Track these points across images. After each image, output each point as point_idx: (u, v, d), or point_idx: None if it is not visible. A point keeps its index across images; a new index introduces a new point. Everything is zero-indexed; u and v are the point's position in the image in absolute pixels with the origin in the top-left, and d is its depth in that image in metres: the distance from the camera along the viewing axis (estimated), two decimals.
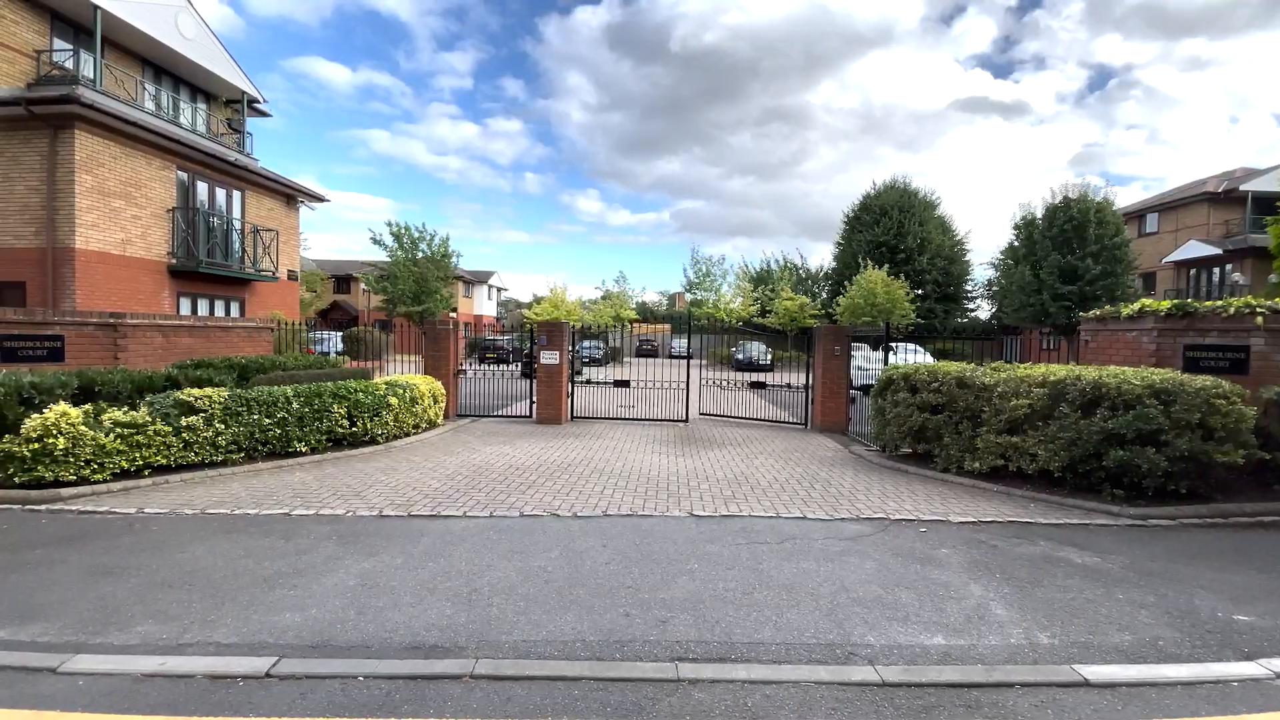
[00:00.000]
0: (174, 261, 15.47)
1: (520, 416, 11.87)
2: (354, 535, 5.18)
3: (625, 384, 13.08)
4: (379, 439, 8.83)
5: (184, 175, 16.03)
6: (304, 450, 7.91)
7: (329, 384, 8.42)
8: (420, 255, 38.71)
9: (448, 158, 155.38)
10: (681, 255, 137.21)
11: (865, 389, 11.47)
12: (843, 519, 5.82)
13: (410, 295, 37.72)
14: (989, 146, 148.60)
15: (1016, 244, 30.88)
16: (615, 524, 5.57)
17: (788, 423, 12.31)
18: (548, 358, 11.27)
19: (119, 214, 14.17)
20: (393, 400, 8.95)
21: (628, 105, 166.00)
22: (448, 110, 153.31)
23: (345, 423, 8.40)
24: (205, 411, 7.12)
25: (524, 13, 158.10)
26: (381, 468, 7.57)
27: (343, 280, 48.25)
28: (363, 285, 40.63)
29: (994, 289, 48.88)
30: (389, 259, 38.08)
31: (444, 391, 10.73)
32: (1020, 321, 29.61)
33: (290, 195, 19.97)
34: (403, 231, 38.34)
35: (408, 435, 9.48)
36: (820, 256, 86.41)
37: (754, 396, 16.93)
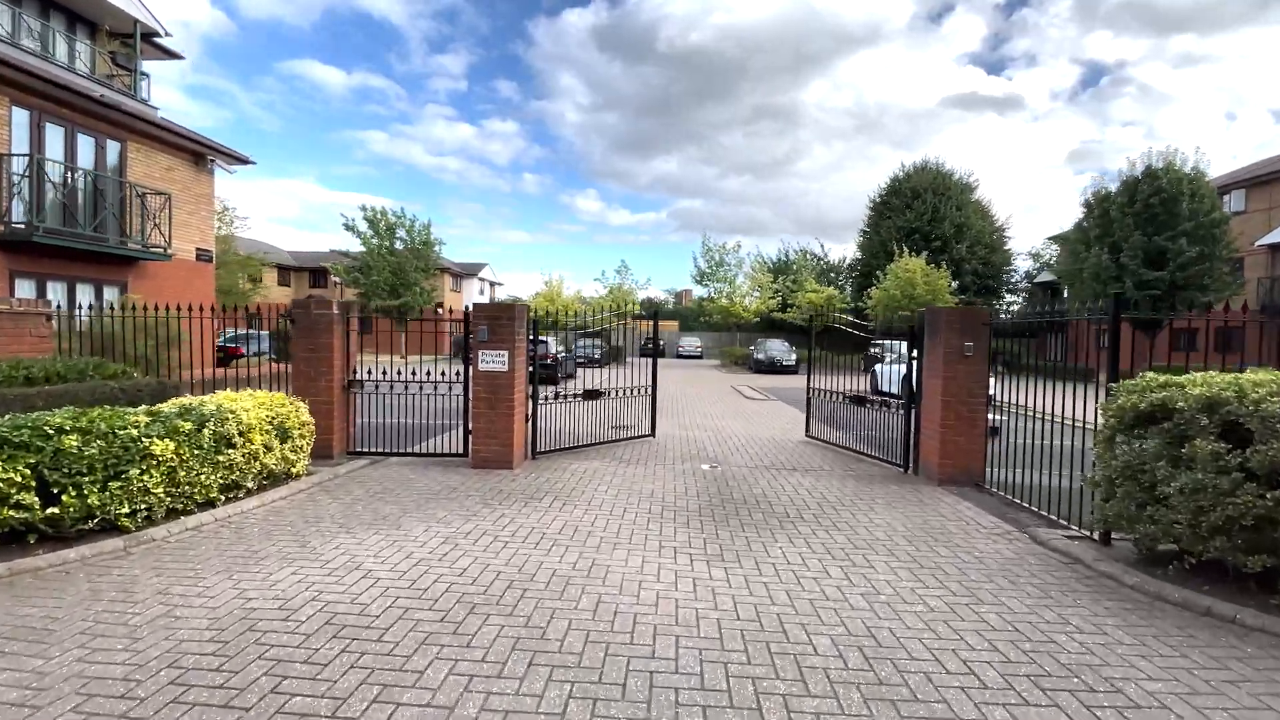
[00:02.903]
0: (1, 228, 11.25)
1: (451, 455, 7.51)
2: None
3: (596, 395, 8.72)
4: (125, 522, 4.50)
5: (25, 113, 11.81)
6: None
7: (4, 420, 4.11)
8: (399, 244, 34.48)
9: (446, 158, 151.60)
10: (682, 254, 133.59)
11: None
12: None
13: (386, 288, 33.45)
14: (985, 143, 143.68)
15: (1086, 224, 26.25)
16: None
17: (869, 458, 7.94)
18: (490, 361, 6.90)
19: None
20: (159, 447, 4.62)
21: (621, 105, 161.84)
22: (443, 112, 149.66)
23: (29, 497, 4.08)
24: None
25: (513, 15, 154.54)
26: (19, 627, 3.23)
27: (319, 273, 44.09)
28: (333, 277, 36.32)
29: (1034, 281, 44.24)
30: (363, 248, 33.83)
31: (309, 419, 6.40)
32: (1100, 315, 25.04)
33: (199, 153, 15.70)
34: (378, 217, 34.06)
35: (211, 506, 5.16)
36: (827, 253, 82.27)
37: (795, 411, 12.56)
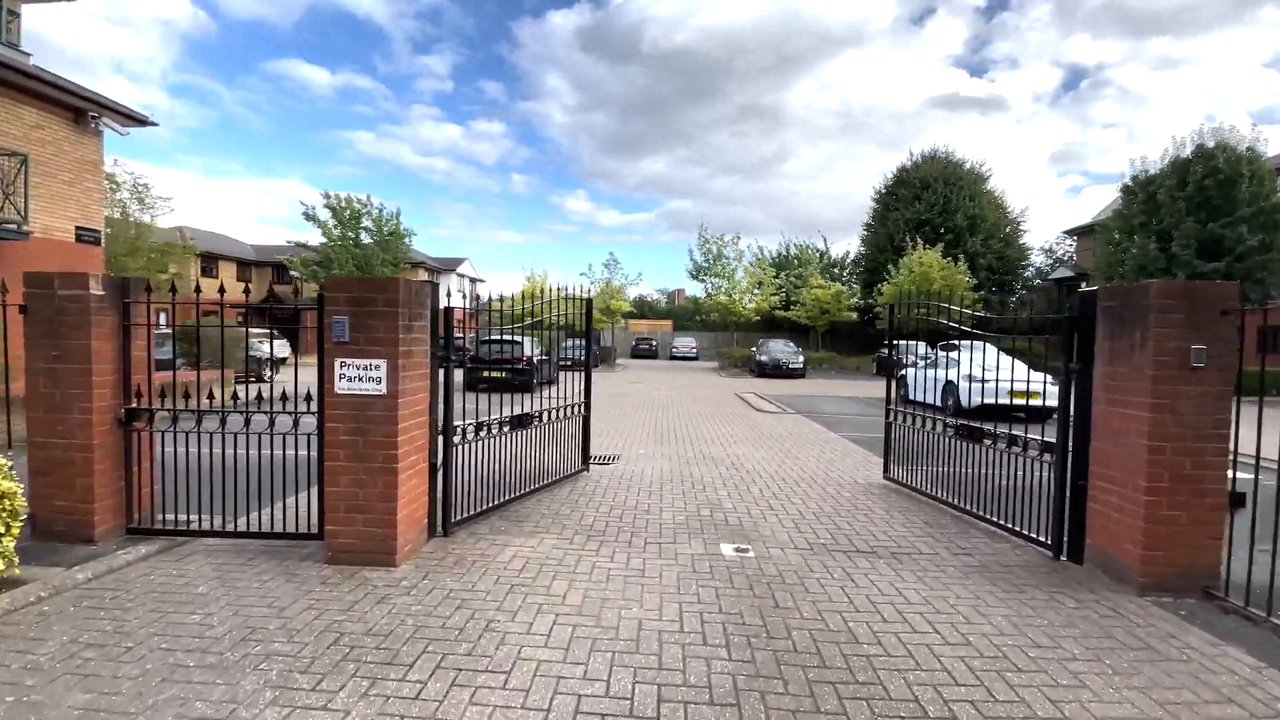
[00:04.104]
0: None
1: (301, 535, 4.54)
2: None
3: (527, 422, 5.76)
4: None
5: None
6: None
7: None
8: (365, 235, 31.39)
9: (434, 159, 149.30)
10: (674, 253, 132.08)
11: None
12: None
13: None
14: (969, 144, 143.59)
15: (1127, 212, 23.55)
16: None
17: (977, 519, 5.08)
18: (354, 377, 3.97)
19: None
20: None
21: (607, 106, 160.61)
22: (430, 112, 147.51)
23: None
24: None
25: (498, 15, 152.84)
26: None
27: (281, 269, 40.82)
28: (292, 271, 33.16)
29: (1045, 277, 41.72)
30: (324, 239, 30.71)
31: (12, 486, 3.46)
32: None
33: (79, 109, 12.65)
34: (341, 206, 30.93)
35: None
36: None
37: (822, 429, 9.73)
